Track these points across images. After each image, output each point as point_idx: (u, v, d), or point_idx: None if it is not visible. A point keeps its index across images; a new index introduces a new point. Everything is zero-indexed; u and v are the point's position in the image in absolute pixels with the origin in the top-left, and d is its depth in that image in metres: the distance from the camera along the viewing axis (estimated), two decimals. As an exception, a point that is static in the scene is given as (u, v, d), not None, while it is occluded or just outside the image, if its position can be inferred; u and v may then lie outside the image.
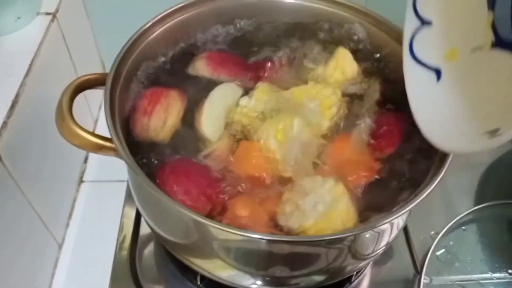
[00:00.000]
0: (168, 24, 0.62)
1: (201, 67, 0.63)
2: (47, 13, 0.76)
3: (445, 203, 0.77)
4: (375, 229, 0.48)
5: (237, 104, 0.60)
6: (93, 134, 0.50)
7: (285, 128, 0.54)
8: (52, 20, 0.76)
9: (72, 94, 0.51)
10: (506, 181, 0.81)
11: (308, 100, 0.58)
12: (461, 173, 0.81)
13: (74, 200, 0.87)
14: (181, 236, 0.54)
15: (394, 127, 0.58)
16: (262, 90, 0.61)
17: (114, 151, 0.49)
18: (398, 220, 0.50)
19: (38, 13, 0.76)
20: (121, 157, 0.47)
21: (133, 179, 0.54)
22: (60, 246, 0.80)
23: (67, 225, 0.83)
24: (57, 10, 0.78)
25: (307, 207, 0.50)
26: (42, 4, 0.77)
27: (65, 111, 0.49)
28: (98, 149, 0.50)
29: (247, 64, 0.66)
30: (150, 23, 0.59)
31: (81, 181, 0.90)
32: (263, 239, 0.45)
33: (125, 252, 0.70)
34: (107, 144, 0.50)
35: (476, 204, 0.76)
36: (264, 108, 0.59)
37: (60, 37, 0.80)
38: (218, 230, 0.45)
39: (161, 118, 0.57)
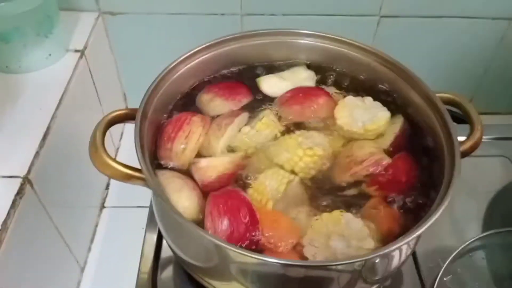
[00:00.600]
0: (191, 63, 0.67)
1: (215, 102, 0.69)
2: (76, 50, 0.82)
3: (454, 230, 0.79)
4: (384, 255, 0.51)
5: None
6: (123, 165, 0.54)
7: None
8: (80, 57, 0.82)
9: (105, 128, 0.56)
10: (510, 211, 0.83)
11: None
12: (469, 200, 0.84)
13: (96, 225, 0.91)
14: (202, 259, 0.57)
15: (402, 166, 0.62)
16: (264, 122, 0.66)
17: (142, 181, 0.53)
18: (405, 246, 0.53)
19: (67, 50, 0.82)
20: (149, 187, 0.51)
21: (159, 206, 0.58)
22: (82, 269, 0.84)
23: (89, 249, 0.87)
24: (85, 48, 0.84)
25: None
26: (71, 42, 0.83)
27: (98, 144, 0.54)
28: (128, 179, 0.54)
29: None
30: (175, 63, 0.64)
31: (102, 206, 0.94)
32: (278, 263, 0.49)
33: (146, 276, 0.73)
34: (137, 174, 0.54)
35: (484, 231, 0.78)
36: (263, 140, 0.64)
37: (88, 72, 0.85)
38: (237, 254, 0.49)
39: (183, 143, 0.62)
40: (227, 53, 0.70)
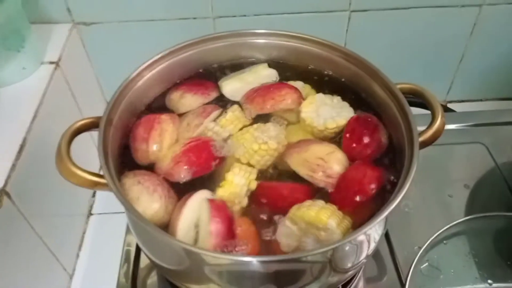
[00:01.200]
0: (155, 69, 0.68)
1: (185, 98, 0.71)
2: (51, 62, 0.84)
3: (430, 218, 0.80)
4: (351, 242, 0.52)
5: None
6: (88, 172, 0.56)
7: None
8: (55, 68, 0.83)
9: (70, 137, 0.57)
10: (487, 196, 0.84)
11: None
12: (446, 188, 0.85)
13: (84, 232, 0.92)
14: (175, 264, 0.59)
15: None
16: (229, 118, 0.68)
17: (108, 187, 0.54)
18: (371, 233, 0.54)
19: (42, 63, 0.83)
20: (113, 192, 0.53)
21: (127, 213, 0.60)
22: (71, 277, 0.85)
23: (77, 256, 0.89)
24: (59, 59, 0.85)
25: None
26: (46, 54, 0.85)
27: (63, 153, 0.56)
28: (94, 185, 0.56)
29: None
30: (138, 71, 0.66)
31: (90, 214, 0.95)
32: (244, 261, 0.50)
33: (126, 281, 0.74)
34: (101, 180, 0.55)
35: (459, 218, 0.79)
36: (228, 134, 0.67)
37: (64, 83, 0.86)
38: (207, 257, 0.50)
39: (158, 142, 0.64)
40: (190, 58, 0.71)
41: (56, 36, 0.89)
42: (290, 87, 0.71)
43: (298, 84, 0.73)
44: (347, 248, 0.54)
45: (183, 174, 0.61)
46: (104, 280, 0.83)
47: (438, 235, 0.74)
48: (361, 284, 0.73)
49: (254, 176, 0.61)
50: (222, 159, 0.64)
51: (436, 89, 1.09)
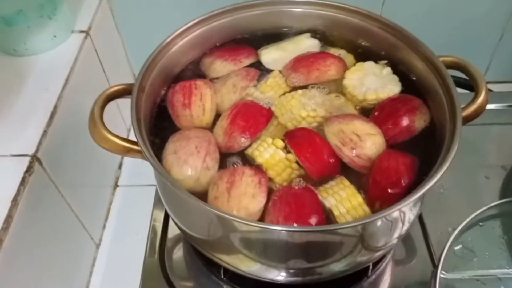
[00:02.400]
0: (188, 37, 0.67)
1: (215, 64, 0.69)
2: (81, 31, 0.83)
3: (466, 199, 0.78)
4: (383, 219, 0.50)
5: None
6: (121, 138, 0.55)
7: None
8: (85, 37, 0.82)
9: (103, 103, 0.57)
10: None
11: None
12: (483, 169, 0.82)
13: (110, 204, 0.93)
14: (206, 233, 0.58)
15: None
16: (269, 84, 0.66)
17: (140, 154, 0.54)
18: (406, 210, 0.53)
19: (72, 31, 0.83)
20: (146, 159, 0.52)
21: (158, 179, 0.59)
22: (97, 246, 0.86)
23: (104, 226, 0.89)
24: (90, 28, 0.84)
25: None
26: (76, 23, 0.84)
27: (96, 118, 0.55)
28: (126, 151, 0.55)
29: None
30: (170, 37, 0.64)
31: (116, 185, 0.96)
32: (278, 230, 0.49)
33: (155, 252, 0.74)
34: (134, 147, 0.55)
35: (495, 200, 0.76)
36: (268, 100, 0.65)
37: (93, 52, 0.86)
38: (239, 224, 0.49)
39: (200, 106, 0.63)
40: (223, 26, 0.70)
41: (86, 4, 0.88)
42: (334, 57, 0.68)
43: (341, 52, 0.71)
44: (379, 224, 0.53)
45: (241, 142, 0.60)
46: (130, 251, 0.83)
47: (473, 217, 0.71)
48: (391, 264, 0.71)
49: (280, 143, 0.60)
50: (271, 113, 0.63)
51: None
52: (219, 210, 0.50)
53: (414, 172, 0.55)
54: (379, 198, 0.54)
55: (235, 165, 0.58)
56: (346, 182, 0.56)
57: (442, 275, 0.67)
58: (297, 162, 0.58)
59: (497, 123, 0.87)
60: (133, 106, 0.55)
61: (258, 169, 0.57)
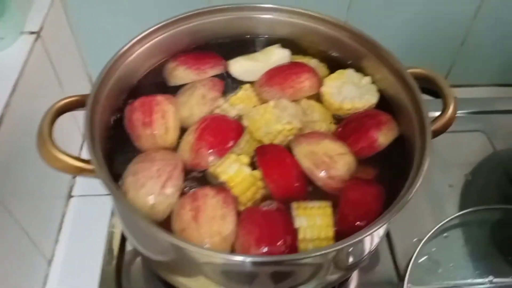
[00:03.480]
0: (148, 44, 0.63)
1: (177, 70, 0.66)
2: (31, 32, 0.77)
3: (430, 208, 0.78)
4: (351, 244, 0.49)
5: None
6: (73, 157, 0.51)
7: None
8: (36, 39, 0.77)
9: (53, 117, 0.52)
10: (489, 186, 0.82)
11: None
12: (445, 177, 0.82)
13: (63, 215, 0.87)
14: (162, 256, 0.55)
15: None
16: (239, 97, 0.64)
17: (94, 173, 0.50)
18: (374, 234, 0.51)
19: (22, 33, 0.77)
20: (99, 179, 0.48)
21: (113, 200, 0.55)
22: (49, 262, 0.81)
23: (57, 240, 0.84)
24: (41, 29, 0.78)
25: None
26: (26, 24, 0.78)
27: (45, 135, 0.50)
28: (79, 172, 0.51)
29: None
30: (128, 45, 0.60)
31: (69, 196, 0.90)
32: (243, 261, 0.46)
33: (111, 267, 0.71)
34: (88, 166, 0.50)
35: (460, 209, 0.77)
36: (237, 113, 0.62)
37: (45, 55, 0.80)
38: (199, 254, 0.46)
39: (163, 124, 0.59)
40: (186, 32, 0.66)
41: (38, 4, 0.82)
42: (308, 71, 0.65)
43: (313, 62, 0.69)
44: (348, 249, 0.52)
45: (210, 160, 0.56)
46: (85, 266, 0.78)
47: (438, 228, 0.71)
48: (355, 279, 0.70)
49: (246, 159, 0.57)
50: (242, 127, 0.60)
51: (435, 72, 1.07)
52: (190, 243, 0.46)
53: (381, 201, 0.54)
54: (347, 231, 0.51)
55: (191, 189, 0.55)
56: (329, 211, 0.53)
57: (408, 288, 0.67)
58: (262, 180, 0.56)
59: (460, 130, 0.88)
60: (87, 121, 0.50)
61: (220, 187, 0.54)
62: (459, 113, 0.90)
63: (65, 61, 0.88)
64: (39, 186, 0.78)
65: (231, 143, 0.57)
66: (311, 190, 0.56)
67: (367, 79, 0.65)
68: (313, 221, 0.52)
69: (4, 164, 0.65)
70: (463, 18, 0.96)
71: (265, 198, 0.55)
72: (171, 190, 0.53)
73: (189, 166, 0.56)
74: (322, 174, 0.55)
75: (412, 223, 0.74)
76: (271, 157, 0.56)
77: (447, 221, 0.72)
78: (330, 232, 0.52)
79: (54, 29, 0.83)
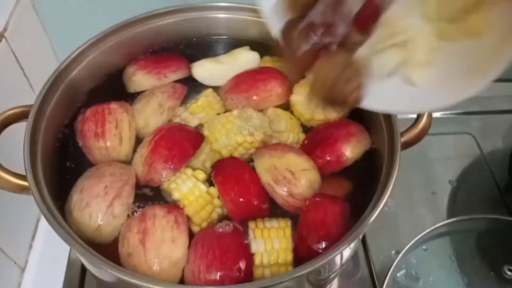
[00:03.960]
0: (101, 48, 0.60)
1: (136, 75, 0.62)
2: (-6, 33, 0.74)
3: (409, 220, 0.74)
4: (321, 264, 0.45)
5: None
6: (13, 174, 0.48)
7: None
8: (0, 40, 0.73)
9: (-6, 131, 0.49)
10: (475, 193, 0.78)
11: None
12: (427, 186, 0.78)
13: (38, 221, 0.85)
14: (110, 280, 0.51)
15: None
16: (200, 104, 0.60)
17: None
18: (336, 256, 0.48)
19: (-17, 35, 0.73)
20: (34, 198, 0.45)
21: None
22: (22, 270, 0.79)
23: (30, 246, 0.82)
24: (5, 29, 0.75)
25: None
26: (-11, 25, 0.75)
27: (-16, 151, 0.47)
28: (21, 190, 0.48)
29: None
30: (78, 51, 0.57)
31: (45, 200, 0.88)
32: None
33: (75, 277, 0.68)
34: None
35: (445, 218, 0.73)
36: (196, 123, 0.59)
37: (11, 57, 0.77)
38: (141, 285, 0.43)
39: (116, 135, 0.55)
40: (142, 34, 0.63)
41: (2, 3, 0.79)
42: (276, 78, 0.61)
43: (285, 65, 0.64)
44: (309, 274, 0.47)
45: (164, 174, 0.52)
46: (60, 272, 0.76)
47: (418, 239, 0.68)
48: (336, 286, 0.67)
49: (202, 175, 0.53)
50: (201, 138, 0.56)
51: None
52: (130, 274, 0.43)
53: (345, 220, 0.50)
54: (306, 254, 0.48)
55: (140, 208, 0.51)
56: (288, 232, 0.50)
57: (384, 305, 0.63)
58: (219, 198, 0.52)
59: (446, 132, 0.84)
60: (28, 135, 0.47)
61: (171, 205, 0.50)
62: (444, 113, 0.86)
63: (37, 61, 0.85)
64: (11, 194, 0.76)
65: (187, 156, 0.53)
66: (273, 206, 0.53)
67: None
68: (270, 245, 0.48)
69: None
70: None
71: (222, 218, 0.52)
72: (119, 209, 0.49)
73: (142, 181, 0.53)
74: (282, 191, 0.51)
75: (391, 233, 0.71)
76: (228, 173, 0.52)
77: (427, 232, 0.69)
78: (289, 256, 0.49)
79: (22, 28, 0.80)
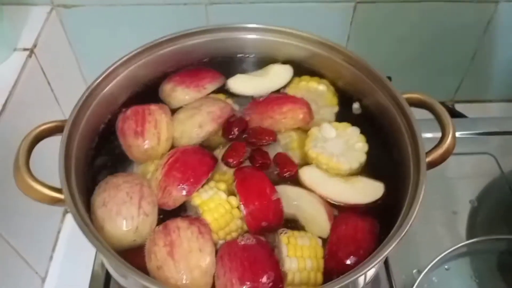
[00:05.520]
0: (133, 66, 0.61)
1: (176, 91, 0.63)
2: (24, 49, 0.76)
3: (430, 239, 0.74)
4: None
5: None
6: (48, 187, 0.49)
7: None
8: (29, 56, 0.76)
9: (30, 145, 0.51)
10: (496, 213, 0.77)
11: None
12: (449, 204, 0.78)
13: (59, 232, 0.86)
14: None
15: None
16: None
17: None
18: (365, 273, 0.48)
19: (15, 49, 0.76)
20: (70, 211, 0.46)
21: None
22: (43, 280, 0.80)
23: (51, 257, 0.83)
24: (35, 45, 0.77)
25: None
26: (20, 40, 0.77)
27: (20, 164, 0.49)
28: (54, 202, 0.49)
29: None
30: (112, 67, 0.58)
31: (66, 211, 0.89)
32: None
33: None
34: (63, 197, 0.48)
35: (466, 239, 0.73)
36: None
37: (40, 72, 0.79)
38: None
39: (155, 134, 0.57)
40: (170, 53, 0.64)
41: (33, 20, 0.81)
42: (295, 102, 0.61)
43: (322, 84, 0.65)
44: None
45: (178, 196, 0.53)
46: (79, 283, 0.77)
47: (439, 259, 0.67)
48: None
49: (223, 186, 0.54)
50: (215, 160, 0.56)
51: (444, 88, 1.04)
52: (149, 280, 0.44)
53: (374, 236, 0.51)
54: (336, 270, 0.48)
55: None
56: (320, 253, 0.50)
57: (406, 324, 0.63)
58: (239, 208, 0.53)
59: (467, 152, 0.84)
60: (62, 150, 0.49)
61: (191, 218, 0.51)
62: (465, 133, 0.86)
63: (63, 77, 0.87)
64: (33, 203, 0.77)
65: (202, 179, 0.54)
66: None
67: (360, 145, 0.59)
68: (303, 264, 0.49)
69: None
70: (473, 31, 0.92)
71: (241, 230, 0.53)
72: (148, 208, 0.51)
73: (157, 204, 0.53)
74: None
75: (412, 253, 0.71)
76: (251, 184, 0.53)
77: (449, 252, 0.68)
78: (319, 277, 0.49)
79: (50, 45, 0.82)
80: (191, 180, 0.53)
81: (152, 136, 0.57)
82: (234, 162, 0.56)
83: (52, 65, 0.82)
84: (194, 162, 0.54)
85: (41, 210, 0.80)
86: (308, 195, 0.55)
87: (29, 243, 0.74)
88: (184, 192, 0.53)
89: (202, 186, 0.53)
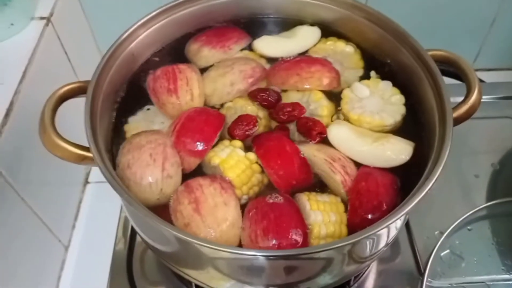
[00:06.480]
0: (153, 27, 0.61)
1: (203, 52, 0.63)
2: (41, 18, 0.76)
3: (453, 200, 0.74)
4: (367, 237, 0.45)
5: None
6: (74, 145, 0.49)
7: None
8: (46, 24, 0.75)
9: (54, 105, 0.51)
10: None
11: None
12: (470, 167, 0.78)
13: (80, 202, 0.87)
14: (170, 249, 0.53)
15: None
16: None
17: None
18: (391, 226, 0.48)
19: (32, 18, 0.75)
20: (99, 168, 0.46)
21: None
22: (66, 248, 0.81)
23: (73, 226, 0.84)
24: (51, 14, 0.77)
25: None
26: (37, 9, 0.77)
27: (46, 123, 0.49)
28: (81, 160, 0.49)
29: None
30: (131, 29, 0.58)
31: (86, 182, 0.90)
32: (252, 255, 0.44)
33: (122, 255, 0.70)
34: (89, 154, 0.49)
35: (486, 201, 0.72)
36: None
37: (56, 40, 0.79)
38: (207, 249, 0.44)
39: (188, 91, 0.57)
40: (190, 15, 0.64)
41: (48, -12, 0.81)
42: (323, 64, 0.61)
43: (350, 46, 0.64)
44: (363, 242, 0.48)
45: (191, 161, 0.53)
46: (101, 251, 0.78)
47: (461, 220, 0.67)
48: (374, 272, 0.67)
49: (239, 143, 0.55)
50: (222, 118, 0.56)
51: (463, 55, 1.01)
52: (203, 240, 0.44)
53: (395, 192, 0.50)
54: (359, 225, 0.49)
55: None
56: (341, 208, 0.51)
57: (428, 283, 0.63)
58: (258, 163, 0.53)
59: (487, 116, 0.83)
60: (88, 108, 0.49)
61: (212, 176, 0.51)
62: (486, 98, 0.85)
63: (78, 45, 0.87)
64: (55, 173, 0.78)
65: (212, 138, 0.54)
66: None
67: (397, 98, 0.58)
68: (328, 217, 0.49)
69: (16, 153, 0.65)
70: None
71: (262, 184, 0.53)
72: (172, 170, 0.51)
73: None
74: (340, 168, 0.52)
75: (434, 214, 0.70)
76: (270, 146, 0.53)
77: (471, 213, 0.68)
78: (344, 230, 0.50)
79: (66, 14, 0.82)
80: (202, 142, 0.53)
81: (185, 92, 0.57)
82: (240, 133, 0.55)
83: (68, 34, 0.82)
84: (201, 124, 0.54)
85: (63, 182, 0.81)
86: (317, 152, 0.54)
87: (52, 212, 0.75)
88: (196, 155, 0.53)
89: (217, 145, 0.53)
